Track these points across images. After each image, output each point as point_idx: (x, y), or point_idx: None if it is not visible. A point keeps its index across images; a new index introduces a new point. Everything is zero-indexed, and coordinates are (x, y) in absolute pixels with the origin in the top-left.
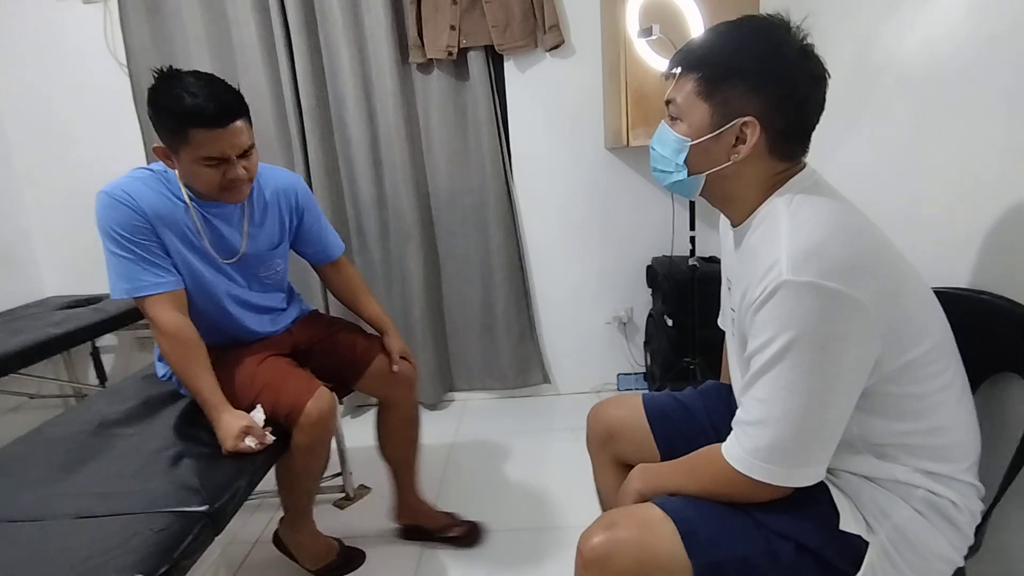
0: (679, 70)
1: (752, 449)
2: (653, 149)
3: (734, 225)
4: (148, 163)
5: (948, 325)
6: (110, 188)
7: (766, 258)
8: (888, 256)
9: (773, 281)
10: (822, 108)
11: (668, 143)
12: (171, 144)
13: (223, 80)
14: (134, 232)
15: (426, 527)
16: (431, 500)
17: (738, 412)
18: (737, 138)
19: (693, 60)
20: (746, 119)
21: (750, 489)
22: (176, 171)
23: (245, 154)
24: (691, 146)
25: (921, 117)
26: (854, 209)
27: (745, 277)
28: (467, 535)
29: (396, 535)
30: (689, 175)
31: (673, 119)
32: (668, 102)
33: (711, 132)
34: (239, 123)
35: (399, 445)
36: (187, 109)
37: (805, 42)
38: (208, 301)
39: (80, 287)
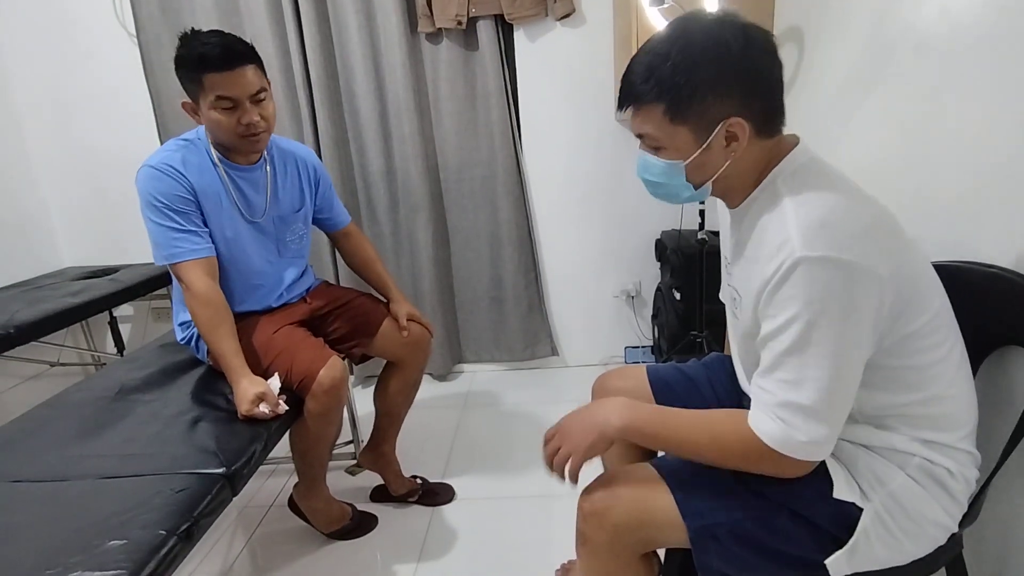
0: (634, 108)
1: (793, 427)
2: (646, 180)
3: (732, 206)
4: (159, 133)
5: (945, 294)
6: (154, 162)
7: (775, 236)
8: (891, 227)
9: (788, 258)
10: (782, 69)
11: (664, 171)
12: (193, 96)
13: (236, 35)
14: (175, 201)
15: (390, 489)
16: (401, 462)
17: (764, 394)
18: (727, 137)
19: (648, 93)
20: (730, 121)
21: (774, 466)
22: (204, 129)
23: (259, 101)
24: (686, 166)
25: (937, 89)
26: (852, 183)
27: (749, 257)
28: (427, 499)
29: (368, 498)
30: (697, 188)
31: (656, 149)
32: (640, 135)
33: (700, 147)
34: (248, 67)
35: (396, 402)
36: (199, 56)
37: (740, 24)
38: (235, 264)
39: (96, 258)
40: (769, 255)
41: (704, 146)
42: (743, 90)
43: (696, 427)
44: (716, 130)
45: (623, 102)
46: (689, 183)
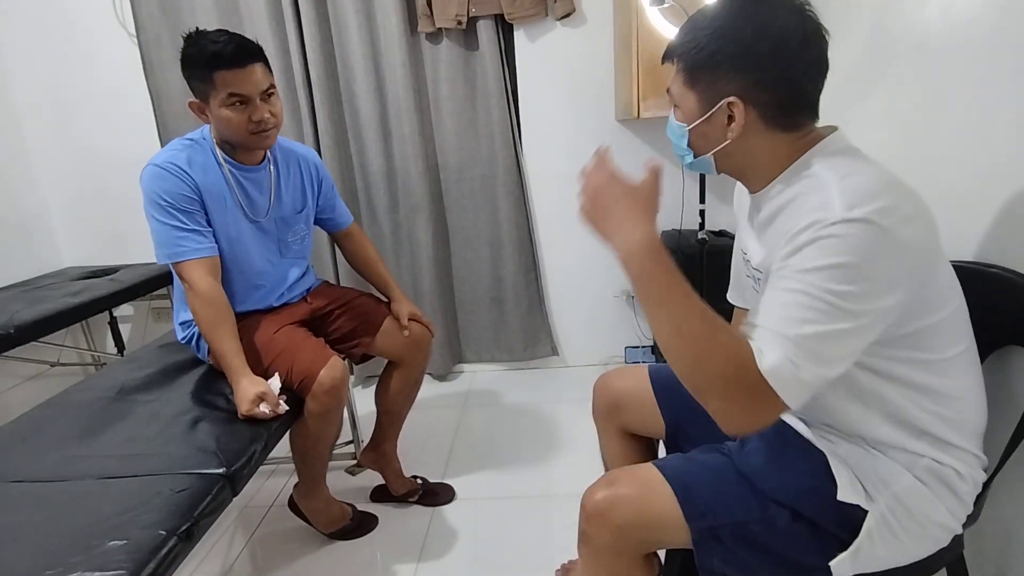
0: (672, 62)
1: (797, 365)
2: (668, 135)
3: (754, 191)
4: (159, 133)
5: (963, 297)
6: (159, 161)
7: (814, 202)
8: (927, 214)
9: (827, 219)
10: (821, 68)
11: (673, 130)
12: (202, 95)
13: (242, 34)
14: (180, 200)
15: (390, 489)
16: (402, 461)
17: (760, 330)
18: (729, 117)
19: (677, 52)
20: (729, 99)
21: (746, 399)
22: (211, 129)
23: (268, 98)
24: (689, 131)
25: (937, 88)
26: (890, 171)
27: (777, 231)
28: (427, 499)
29: (368, 498)
30: (696, 157)
31: (674, 107)
32: (668, 90)
33: (701, 117)
34: (257, 65)
35: (397, 401)
36: (210, 54)
37: (791, 12)
38: (237, 263)
39: (96, 258)
40: (805, 214)
41: (705, 117)
42: (755, 76)
43: (700, 316)
44: (718, 105)
45: (664, 55)
46: (690, 150)
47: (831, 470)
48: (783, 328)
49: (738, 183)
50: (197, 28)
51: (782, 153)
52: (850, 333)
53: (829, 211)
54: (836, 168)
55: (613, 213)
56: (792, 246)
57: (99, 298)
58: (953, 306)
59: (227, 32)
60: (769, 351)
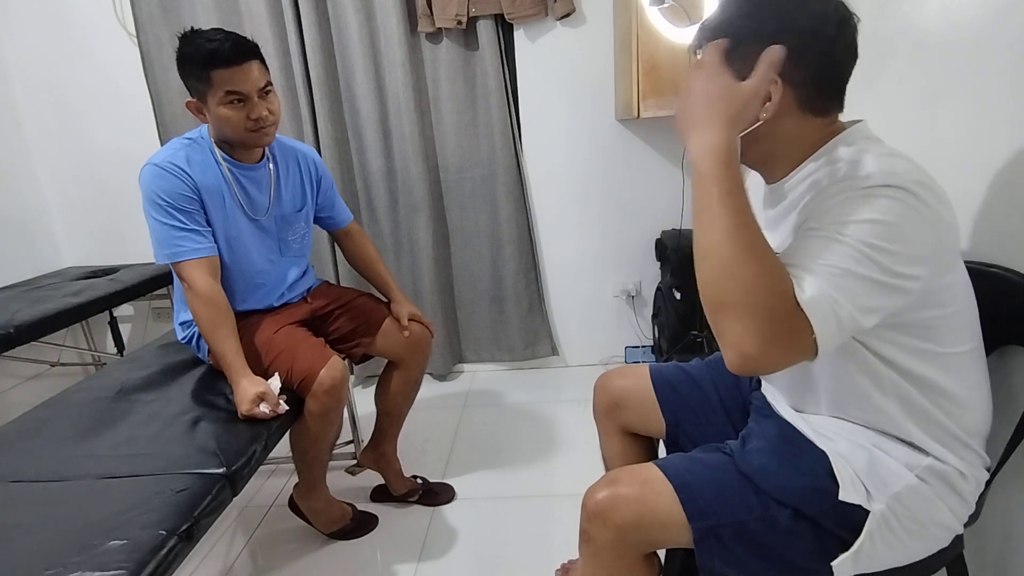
0: (695, 54)
1: (834, 300)
2: None
3: (773, 181)
4: (159, 133)
5: (974, 299)
6: (158, 160)
7: (847, 172)
8: (953, 210)
9: (863, 183)
10: (853, 55)
11: None
12: (199, 94)
13: (236, 32)
14: (179, 199)
15: (390, 489)
16: (402, 462)
17: (798, 269)
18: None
19: (709, 33)
20: None
21: (776, 329)
22: (209, 128)
23: (266, 95)
24: None
25: (936, 87)
26: None
27: (801, 212)
28: (427, 498)
29: (369, 498)
30: None
31: None
32: None
33: None
34: (254, 63)
35: (396, 402)
36: (207, 53)
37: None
38: (237, 262)
39: (97, 258)
40: (840, 183)
41: None
42: (794, 51)
43: (750, 229)
44: None
45: (694, 40)
46: None
47: (833, 470)
48: (821, 269)
49: (749, 175)
50: (192, 27)
51: (809, 140)
52: (884, 287)
53: (867, 178)
54: (866, 151)
55: (695, 112)
56: (825, 205)
57: (99, 298)
58: (963, 303)
59: (222, 30)
60: (809, 285)
